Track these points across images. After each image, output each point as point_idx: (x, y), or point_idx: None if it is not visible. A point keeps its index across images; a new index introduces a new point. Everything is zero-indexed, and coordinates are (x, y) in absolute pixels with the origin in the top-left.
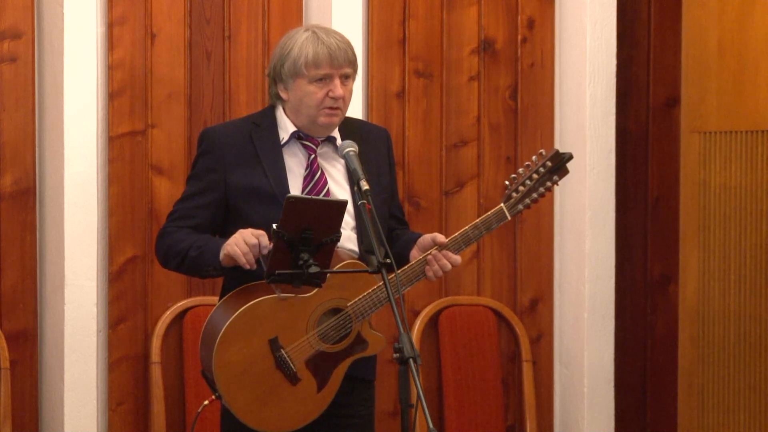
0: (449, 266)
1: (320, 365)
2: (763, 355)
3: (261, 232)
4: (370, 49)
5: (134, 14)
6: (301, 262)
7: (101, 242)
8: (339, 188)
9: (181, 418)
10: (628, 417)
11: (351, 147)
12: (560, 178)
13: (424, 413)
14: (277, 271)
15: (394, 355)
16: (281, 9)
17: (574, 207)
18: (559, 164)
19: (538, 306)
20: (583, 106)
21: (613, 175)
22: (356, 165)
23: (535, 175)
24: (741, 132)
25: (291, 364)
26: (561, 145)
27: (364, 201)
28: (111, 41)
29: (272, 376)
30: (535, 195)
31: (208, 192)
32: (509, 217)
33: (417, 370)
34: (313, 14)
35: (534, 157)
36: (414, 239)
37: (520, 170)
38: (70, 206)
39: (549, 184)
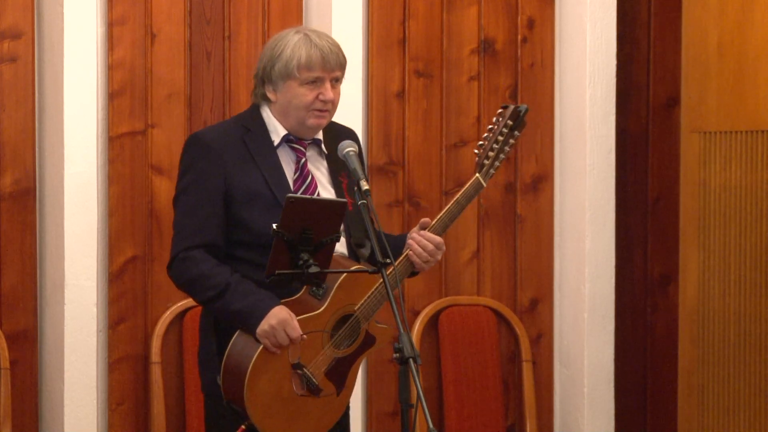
0: (430, 246)
1: (338, 371)
2: (763, 355)
3: (300, 333)
4: (370, 49)
5: (134, 14)
6: (301, 262)
7: (101, 242)
8: (325, 191)
9: (181, 418)
10: (628, 417)
11: (351, 147)
12: (520, 132)
13: (424, 413)
14: (277, 271)
15: (394, 355)
16: (281, 9)
17: (574, 207)
18: (518, 120)
19: (538, 306)
20: (583, 106)
21: (613, 175)
22: (356, 165)
23: (500, 137)
24: (741, 132)
25: (314, 380)
26: (561, 145)
27: (365, 201)
28: (111, 41)
29: (299, 396)
30: (502, 156)
31: (212, 199)
32: (485, 185)
33: (417, 370)
34: (313, 14)
35: (494, 119)
36: (405, 237)
37: (485, 135)
38: (70, 206)
39: (512, 141)
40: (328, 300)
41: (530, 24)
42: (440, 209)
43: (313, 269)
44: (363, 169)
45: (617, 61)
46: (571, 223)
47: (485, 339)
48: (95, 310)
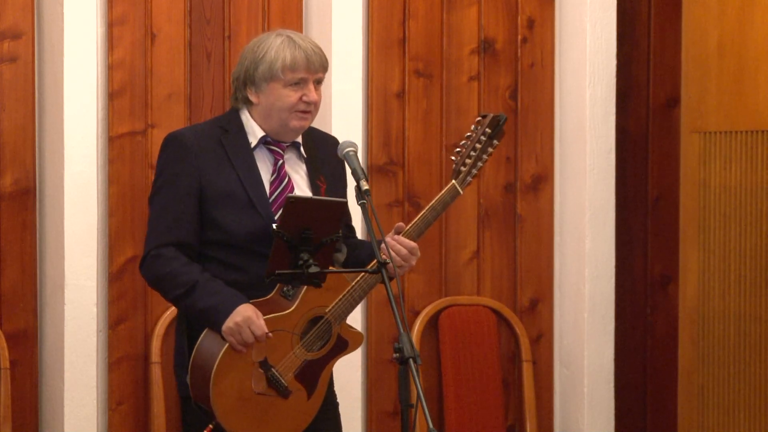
0: (404, 250)
1: (308, 374)
2: (763, 355)
3: (264, 331)
4: (370, 49)
5: (134, 14)
6: (301, 262)
7: (101, 242)
8: (302, 194)
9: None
10: (628, 417)
11: (351, 147)
12: (499, 141)
13: (424, 413)
14: (277, 271)
15: (394, 355)
16: (281, 9)
17: (574, 207)
18: (497, 129)
19: (538, 306)
20: (583, 106)
21: (613, 175)
22: (356, 165)
23: (477, 145)
24: (741, 132)
25: (282, 381)
26: (561, 145)
27: (364, 201)
28: (111, 41)
29: (266, 396)
30: (480, 164)
31: (185, 198)
32: (462, 192)
33: (417, 370)
34: (313, 14)
35: (473, 126)
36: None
37: (463, 142)
38: (70, 206)
39: (490, 149)
40: (298, 301)
41: (530, 24)
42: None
43: (313, 269)
44: (363, 170)
45: (617, 61)
46: (571, 223)
47: (485, 339)
48: (95, 310)
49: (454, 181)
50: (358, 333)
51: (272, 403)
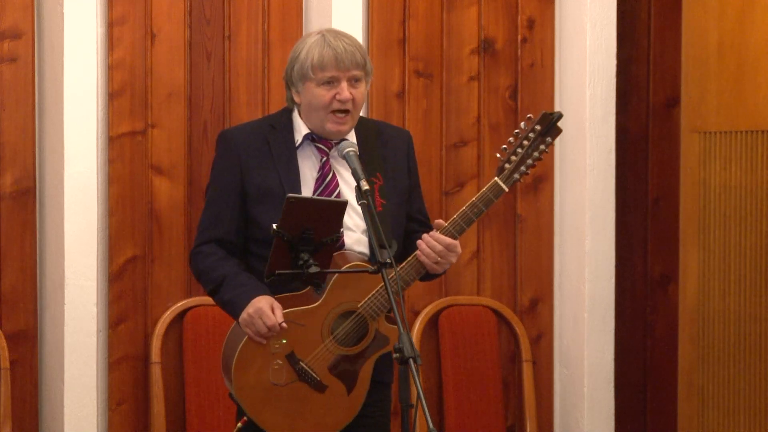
0: (438, 246)
1: (345, 368)
2: (763, 355)
3: (275, 321)
4: (370, 49)
5: (134, 14)
6: (301, 262)
7: (101, 242)
8: (350, 191)
9: (181, 418)
10: (628, 417)
11: (351, 147)
12: (553, 139)
13: (424, 413)
14: (277, 271)
15: (394, 355)
16: (281, 9)
17: (574, 207)
18: (549, 126)
19: (538, 306)
20: (583, 106)
21: (613, 175)
22: (356, 165)
23: (525, 142)
24: (741, 132)
25: (313, 374)
26: (561, 145)
27: (364, 201)
28: (111, 41)
29: (298, 389)
30: (530, 161)
31: (226, 195)
32: (506, 189)
33: (417, 370)
34: (313, 14)
35: (522, 123)
36: None
37: (510, 139)
38: (70, 206)
39: (543, 147)
40: (324, 296)
41: (530, 24)
42: (440, 209)
43: (313, 269)
44: (363, 170)
45: (617, 61)
46: (571, 223)
47: (485, 339)
48: (95, 310)
49: (496, 178)
50: (393, 328)
51: (306, 396)
